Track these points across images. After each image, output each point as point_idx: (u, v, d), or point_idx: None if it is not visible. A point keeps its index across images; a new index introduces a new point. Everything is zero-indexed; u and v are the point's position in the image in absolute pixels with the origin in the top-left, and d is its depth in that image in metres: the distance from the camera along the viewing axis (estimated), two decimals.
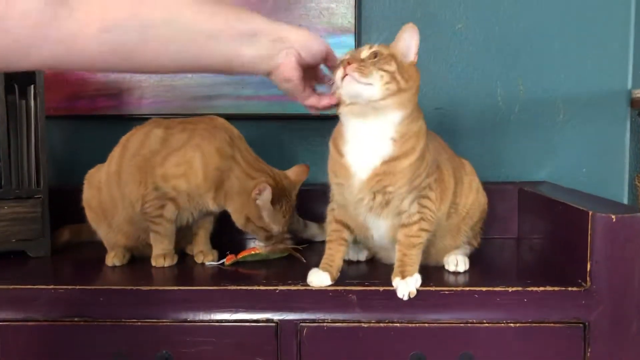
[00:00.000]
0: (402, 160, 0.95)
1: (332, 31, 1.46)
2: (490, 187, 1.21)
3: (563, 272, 1.04)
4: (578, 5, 1.46)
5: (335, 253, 1.03)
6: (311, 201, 1.43)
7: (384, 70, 0.89)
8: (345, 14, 1.46)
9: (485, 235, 1.24)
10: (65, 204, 1.30)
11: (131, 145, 1.18)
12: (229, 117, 1.25)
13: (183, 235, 1.23)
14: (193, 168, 1.13)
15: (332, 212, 1.05)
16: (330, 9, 1.47)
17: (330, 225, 1.05)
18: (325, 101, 0.94)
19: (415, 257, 0.99)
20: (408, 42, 0.92)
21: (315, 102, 0.95)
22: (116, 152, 1.20)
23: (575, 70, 1.47)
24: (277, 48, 0.87)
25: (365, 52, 0.92)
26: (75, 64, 0.71)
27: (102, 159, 1.24)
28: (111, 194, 1.19)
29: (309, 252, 1.24)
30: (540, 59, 1.47)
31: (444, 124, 1.31)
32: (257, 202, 1.11)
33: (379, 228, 1.02)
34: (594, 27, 1.46)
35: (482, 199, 1.14)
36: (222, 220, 1.29)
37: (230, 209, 1.16)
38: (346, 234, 1.04)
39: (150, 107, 1.48)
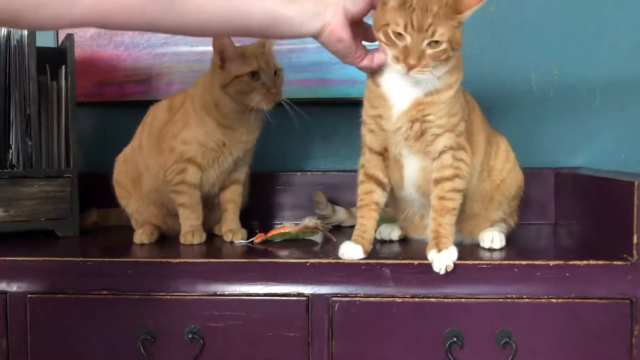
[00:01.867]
0: (447, 91, 0.95)
1: None
2: (525, 172, 1.16)
3: (607, 247, 0.99)
4: None
5: (367, 221, 1.00)
6: (340, 187, 1.42)
7: (440, 65, 0.92)
8: None
9: (521, 221, 1.20)
10: (93, 189, 1.31)
11: (148, 120, 1.23)
12: None
13: (210, 211, 1.22)
14: (188, 112, 1.16)
15: (363, 168, 1.03)
16: None
17: (361, 186, 1.02)
18: (378, 60, 0.94)
19: (450, 227, 0.96)
20: (473, 10, 0.90)
21: (369, 62, 0.95)
22: (139, 128, 1.25)
23: (612, 53, 1.42)
24: (321, 6, 0.88)
25: (426, 40, 0.89)
26: (120, 16, 0.72)
27: None
28: (136, 164, 1.22)
29: (338, 234, 1.21)
30: (575, 42, 1.43)
31: None
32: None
33: (410, 165, 1.00)
34: (630, 7, 1.42)
35: (520, 175, 1.11)
36: (252, 198, 1.28)
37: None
38: (378, 195, 1.01)
39: None
